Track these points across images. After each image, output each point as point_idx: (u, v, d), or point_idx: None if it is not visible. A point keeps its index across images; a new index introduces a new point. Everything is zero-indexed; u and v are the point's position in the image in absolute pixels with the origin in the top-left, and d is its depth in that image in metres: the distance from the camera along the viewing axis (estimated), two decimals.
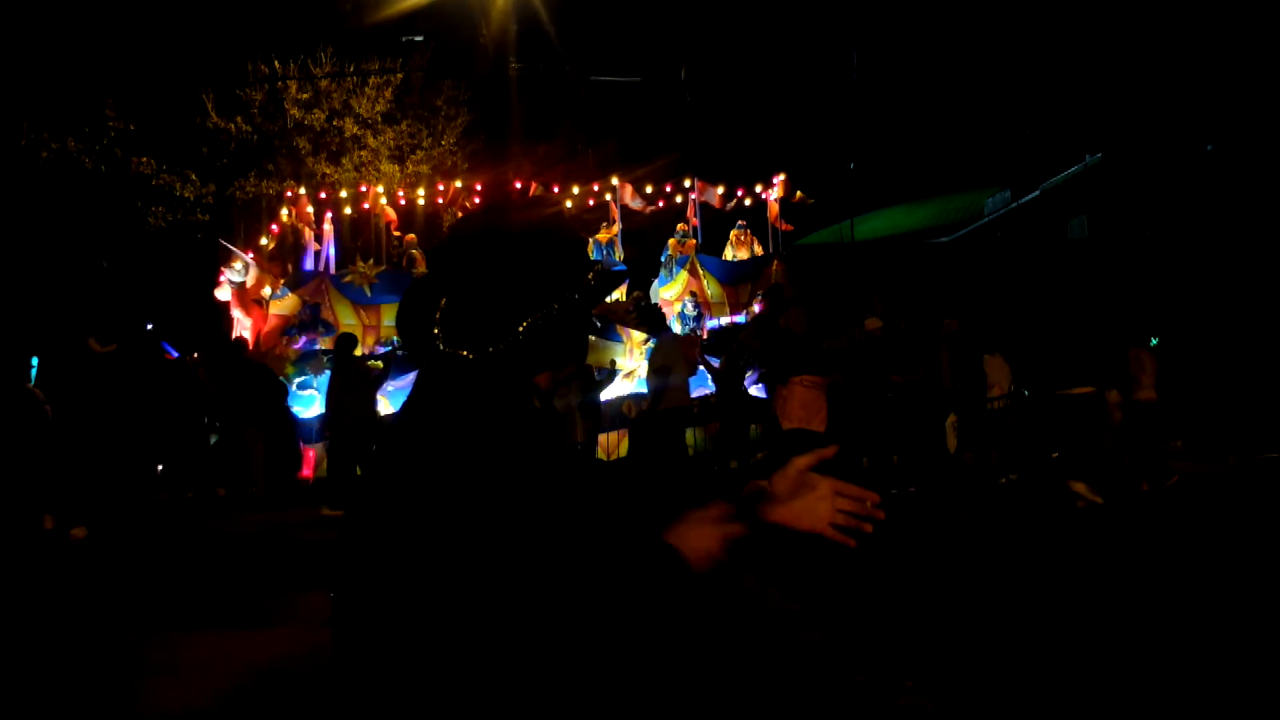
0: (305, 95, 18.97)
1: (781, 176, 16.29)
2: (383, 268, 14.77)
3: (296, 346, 13.37)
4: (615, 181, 16.51)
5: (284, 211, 15.57)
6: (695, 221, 16.59)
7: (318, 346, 13.32)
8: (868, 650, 3.41)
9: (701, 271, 15.73)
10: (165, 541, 7.46)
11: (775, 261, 15.61)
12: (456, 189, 16.31)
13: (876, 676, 3.06)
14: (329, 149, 19.17)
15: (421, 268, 14.97)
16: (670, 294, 15.81)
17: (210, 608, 4.90)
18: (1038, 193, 25.67)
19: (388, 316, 14.35)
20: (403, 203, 16.44)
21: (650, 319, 10.67)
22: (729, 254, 16.60)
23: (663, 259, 16.31)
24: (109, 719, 3.21)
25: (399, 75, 19.40)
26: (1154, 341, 10.75)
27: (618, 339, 14.41)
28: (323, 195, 15.76)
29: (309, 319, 13.59)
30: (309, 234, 15.18)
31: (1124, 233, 21.95)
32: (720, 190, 16.62)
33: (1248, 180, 20.68)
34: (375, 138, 19.21)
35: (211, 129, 18.92)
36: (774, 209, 16.36)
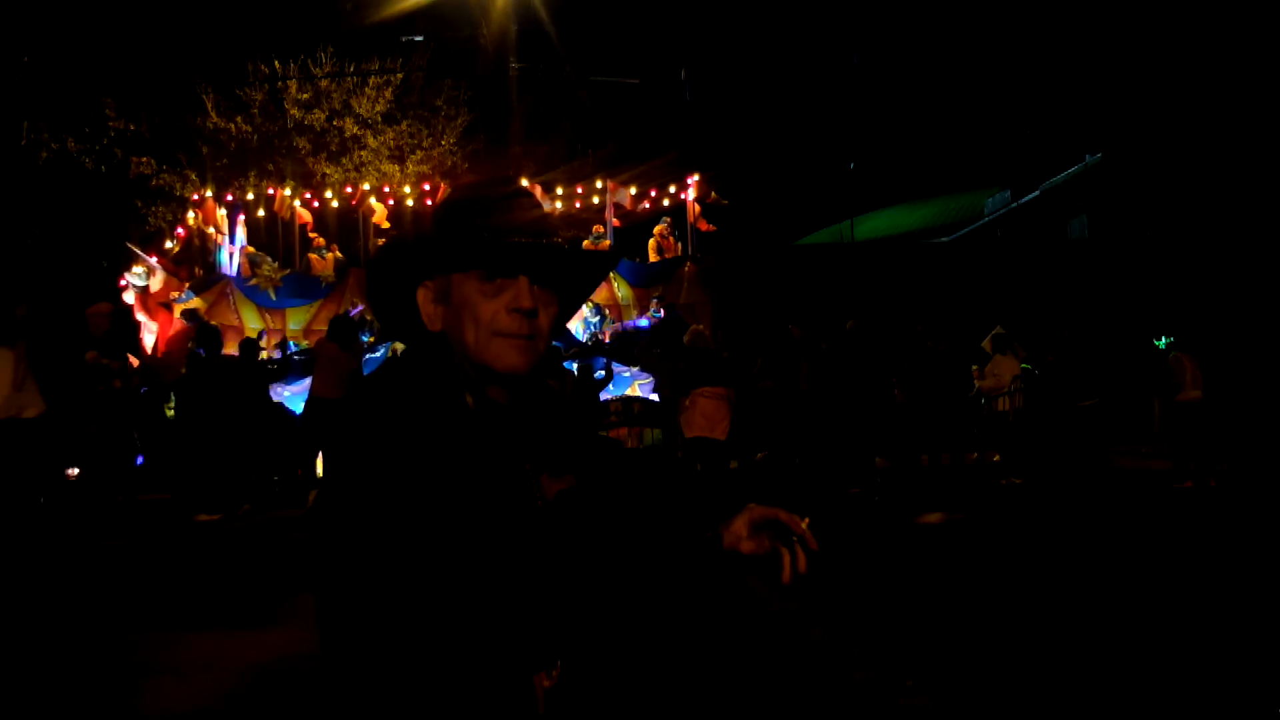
0: (305, 95, 18.96)
1: (696, 177, 16.08)
2: (287, 271, 14.66)
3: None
4: (524, 183, 16.28)
5: (190, 215, 15.34)
6: (617, 223, 16.30)
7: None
8: (868, 650, 3.42)
9: (612, 274, 15.33)
10: (165, 542, 7.47)
11: (688, 264, 15.20)
12: (364, 191, 16.03)
13: (877, 676, 3.06)
14: (329, 149, 19.17)
15: (317, 270, 14.80)
16: None
17: (210, 608, 4.90)
18: (1038, 193, 25.67)
19: (292, 320, 14.30)
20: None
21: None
22: (654, 254, 16.25)
23: None
24: (110, 719, 3.21)
25: (399, 75, 19.38)
26: (1161, 343, 10.83)
27: None
28: (229, 198, 15.53)
29: (204, 327, 13.36)
30: (220, 238, 14.96)
31: (1124, 233, 21.95)
32: (633, 191, 16.25)
33: (1248, 180, 20.68)
34: (375, 138, 19.20)
35: (211, 129, 18.92)
36: (694, 209, 16.02)
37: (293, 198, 15.65)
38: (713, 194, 16.05)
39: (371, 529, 1.18)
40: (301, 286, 14.45)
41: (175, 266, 14.63)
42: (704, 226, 15.97)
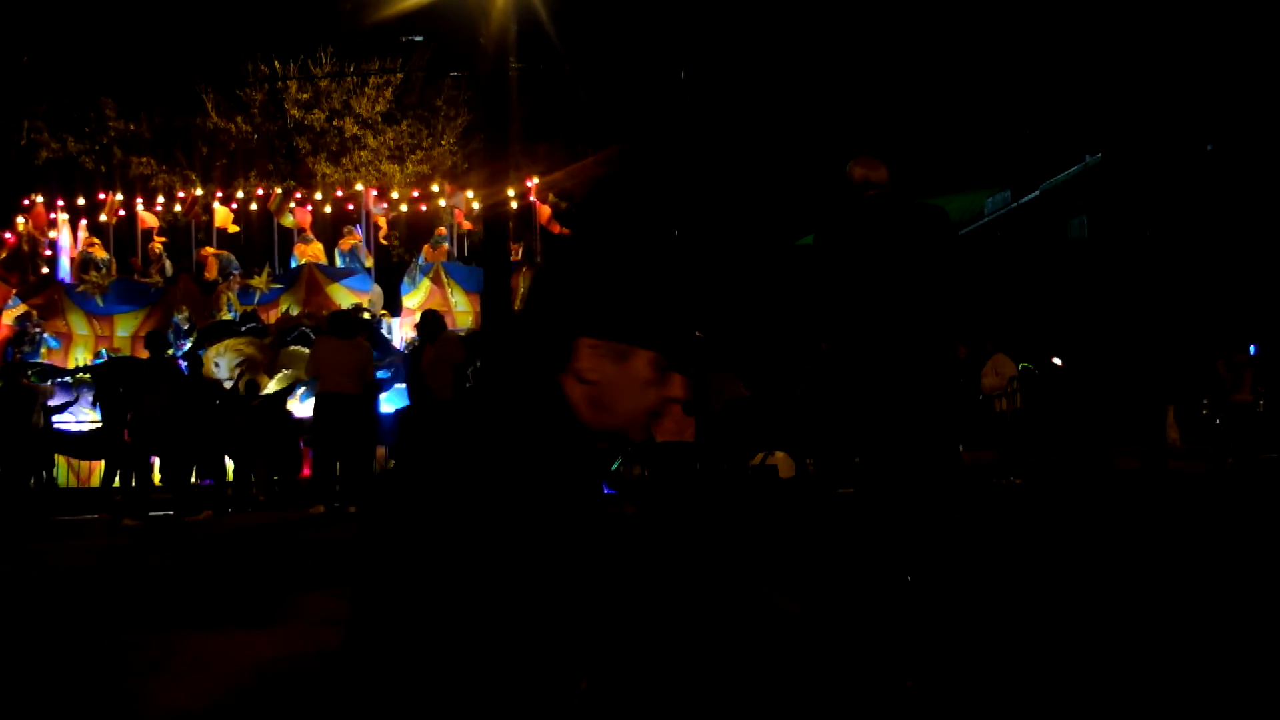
0: (305, 95, 18.99)
1: (534, 180, 15.82)
2: (114, 277, 14.43)
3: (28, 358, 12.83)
4: (360, 187, 16.27)
5: (19, 220, 15.16)
6: (470, 226, 15.92)
7: (36, 359, 12.87)
8: (868, 650, 3.41)
9: (446, 280, 15.04)
10: (165, 541, 7.47)
11: (524, 268, 14.58)
12: (196, 196, 15.84)
13: (877, 676, 3.06)
14: (329, 149, 19.18)
15: (157, 276, 14.55)
16: (413, 303, 15.11)
17: (210, 608, 4.90)
18: (1038, 193, 25.65)
19: (120, 326, 14.05)
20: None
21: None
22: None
23: (418, 264, 15.68)
24: (109, 719, 3.20)
25: (399, 75, 19.40)
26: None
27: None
28: (60, 203, 15.33)
29: (23, 333, 13.07)
30: (55, 240, 14.80)
31: (1124, 233, 21.95)
32: (469, 194, 15.85)
33: (1248, 180, 20.69)
34: (375, 138, 19.23)
35: (211, 129, 18.93)
36: (544, 213, 15.81)
37: (123, 203, 15.41)
38: (551, 196, 15.89)
39: (453, 549, 1.17)
40: (130, 293, 14.21)
41: (5, 273, 14.43)
42: (556, 230, 15.74)
